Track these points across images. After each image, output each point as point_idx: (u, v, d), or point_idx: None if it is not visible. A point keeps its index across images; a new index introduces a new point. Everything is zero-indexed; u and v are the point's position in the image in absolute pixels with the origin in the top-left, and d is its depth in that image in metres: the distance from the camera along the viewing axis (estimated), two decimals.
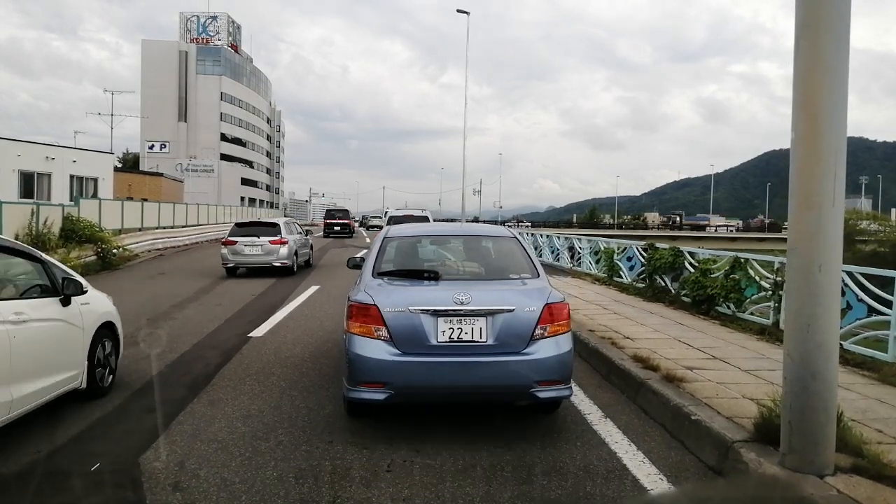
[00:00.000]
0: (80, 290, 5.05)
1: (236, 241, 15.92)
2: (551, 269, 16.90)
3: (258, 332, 8.61)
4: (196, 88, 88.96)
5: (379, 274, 4.78)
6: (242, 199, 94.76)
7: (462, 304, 4.16)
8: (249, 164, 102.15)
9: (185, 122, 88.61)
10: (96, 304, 5.49)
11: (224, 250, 16.04)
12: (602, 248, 14.70)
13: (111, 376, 5.61)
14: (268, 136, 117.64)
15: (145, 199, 34.87)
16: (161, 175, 55.48)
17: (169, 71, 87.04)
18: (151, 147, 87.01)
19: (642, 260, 11.98)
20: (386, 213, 28.14)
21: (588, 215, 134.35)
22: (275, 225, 16.46)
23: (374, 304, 4.20)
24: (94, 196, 29.87)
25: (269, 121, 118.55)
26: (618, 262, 13.42)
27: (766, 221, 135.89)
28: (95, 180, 32.81)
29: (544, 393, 4.23)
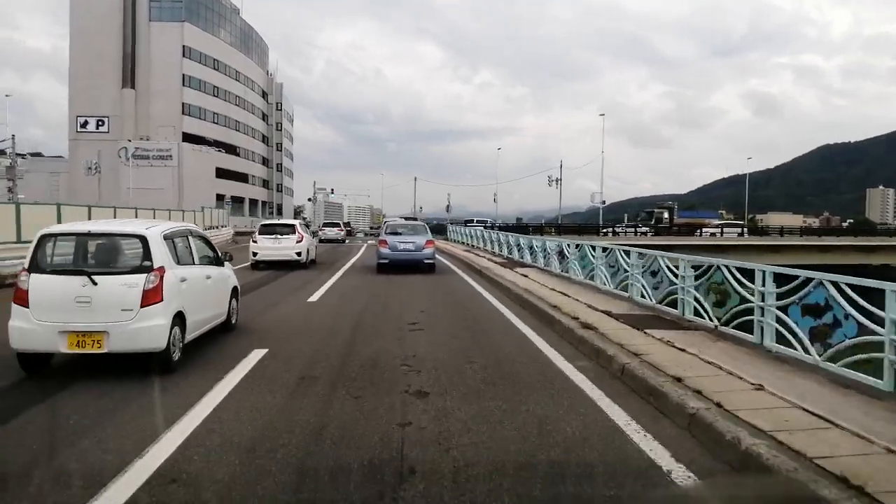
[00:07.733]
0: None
1: None
2: None
3: None
4: (148, 41, 63.49)
5: (385, 232, 20.71)
6: (220, 197, 68.89)
7: (407, 240, 19.40)
8: (232, 149, 76.51)
9: (133, 88, 63.18)
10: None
11: None
12: None
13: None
14: (263, 114, 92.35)
15: None
16: None
17: (109, 16, 61.58)
18: (85, 124, 61.96)
19: None
20: (385, 222, 35.51)
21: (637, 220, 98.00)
22: None
23: (385, 240, 19.42)
24: None
25: (265, 95, 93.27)
26: None
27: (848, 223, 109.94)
28: None
29: (426, 261, 18.97)
